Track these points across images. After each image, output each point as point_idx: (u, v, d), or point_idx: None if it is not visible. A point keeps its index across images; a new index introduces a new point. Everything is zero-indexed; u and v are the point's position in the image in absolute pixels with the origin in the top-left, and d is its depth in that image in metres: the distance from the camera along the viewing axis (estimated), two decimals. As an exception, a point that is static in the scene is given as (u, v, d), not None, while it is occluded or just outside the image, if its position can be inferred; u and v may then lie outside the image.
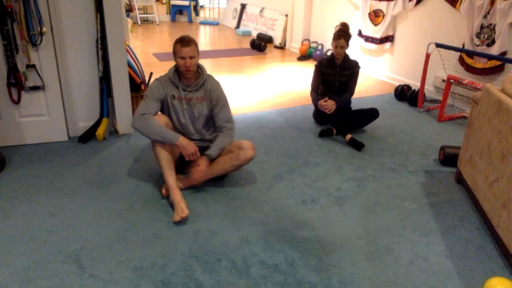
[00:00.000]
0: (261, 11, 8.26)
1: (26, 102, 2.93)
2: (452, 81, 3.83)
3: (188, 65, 2.36)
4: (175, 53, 2.39)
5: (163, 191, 2.44)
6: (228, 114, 2.54)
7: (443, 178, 2.84)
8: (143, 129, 2.34)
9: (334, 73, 3.52)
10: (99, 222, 2.19)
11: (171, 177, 2.34)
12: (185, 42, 2.35)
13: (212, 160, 2.48)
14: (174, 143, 2.33)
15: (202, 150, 2.54)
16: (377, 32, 5.30)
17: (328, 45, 6.21)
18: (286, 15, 7.25)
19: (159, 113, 2.53)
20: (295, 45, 7.04)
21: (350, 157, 3.10)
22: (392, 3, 5.01)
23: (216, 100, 2.51)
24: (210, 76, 2.56)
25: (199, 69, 2.52)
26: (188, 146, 2.34)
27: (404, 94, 4.50)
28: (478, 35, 4.01)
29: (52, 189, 2.48)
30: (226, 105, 2.54)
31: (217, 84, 2.55)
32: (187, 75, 2.41)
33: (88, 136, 3.15)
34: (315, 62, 5.62)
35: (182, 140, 2.34)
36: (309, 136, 3.45)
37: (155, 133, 2.32)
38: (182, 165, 2.59)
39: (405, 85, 4.59)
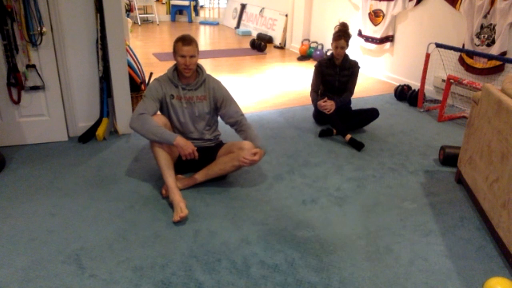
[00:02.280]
0: (261, 11, 8.26)
1: (26, 102, 2.93)
2: (452, 81, 3.83)
3: (188, 63, 2.37)
4: (175, 51, 2.40)
5: (163, 191, 2.44)
6: (238, 107, 2.60)
7: (443, 178, 2.84)
8: (140, 129, 2.34)
9: (334, 73, 3.52)
10: (99, 222, 2.19)
11: (170, 177, 2.34)
12: (186, 41, 2.37)
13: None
14: (171, 143, 2.33)
15: (201, 149, 2.54)
16: (377, 32, 5.30)
17: (328, 45, 6.21)
18: (286, 15, 7.25)
19: (158, 113, 2.53)
20: (295, 45, 7.04)
21: (350, 157, 3.10)
22: (392, 3, 5.01)
23: (222, 99, 2.55)
24: (209, 76, 2.57)
25: (198, 68, 2.53)
26: (186, 146, 2.34)
27: (404, 94, 4.50)
28: (478, 35, 4.01)
29: (52, 189, 2.48)
30: (233, 101, 2.59)
31: (218, 83, 2.58)
32: (186, 73, 2.42)
33: (88, 136, 3.15)
34: (315, 62, 5.62)
35: (179, 140, 2.34)
36: (309, 136, 3.45)
37: (152, 133, 2.32)
38: (181, 166, 2.59)
39: (405, 85, 4.59)
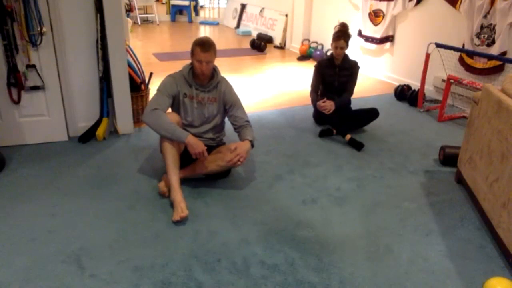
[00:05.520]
0: (261, 11, 8.25)
1: (26, 102, 2.93)
2: (452, 81, 3.83)
3: (204, 69, 2.41)
4: (193, 54, 2.42)
5: (161, 186, 2.43)
6: (244, 113, 2.62)
7: (443, 178, 2.84)
8: (153, 124, 2.36)
9: (334, 73, 3.51)
10: (99, 222, 2.19)
11: (175, 176, 2.34)
12: (205, 47, 2.38)
13: (253, 147, 2.53)
14: (183, 141, 2.34)
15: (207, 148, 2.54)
16: (377, 32, 5.30)
17: (328, 45, 6.21)
18: (286, 15, 7.25)
19: (169, 110, 2.56)
20: (295, 45, 7.04)
21: (350, 157, 3.10)
22: (392, 3, 5.01)
23: (231, 103, 2.58)
24: (223, 78, 2.60)
25: (214, 70, 2.55)
26: (196, 145, 2.36)
27: (404, 94, 4.50)
28: (478, 35, 4.01)
29: (52, 189, 2.48)
30: (241, 107, 2.62)
31: (230, 87, 2.61)
32: (202, 77, 2.47)
33: (88, 136, 3.15)
34: (315, 62, 5.62)
35: (190, 139, 2.36)
36: (309, 136, 3.45)
37: (164, 129, 2.34)
38: (185, 162, 2.58)
39: (405, 85, 4.59)
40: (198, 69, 2.42)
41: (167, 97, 2.46)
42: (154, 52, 6.43)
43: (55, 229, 2.12)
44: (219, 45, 7.33)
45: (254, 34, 8.25)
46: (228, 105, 2.59)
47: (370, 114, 3.56)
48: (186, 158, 2.57)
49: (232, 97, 2.59)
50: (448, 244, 2.15)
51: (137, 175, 2.69)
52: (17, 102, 2.89)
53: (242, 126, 2.57)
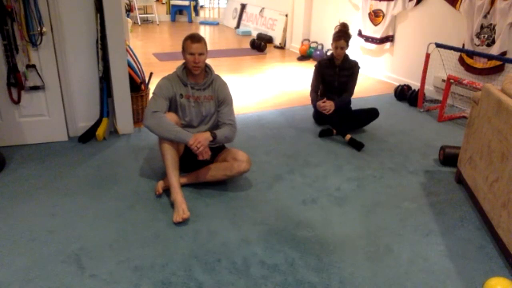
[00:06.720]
0: (261, 11, 8.25)
1: (26, 102, 2.93)
2: (452, 81, 3.83)
3: (197, 61, 2.39)
4: (184, 50, 2.42)
5: (159, 189, 2.44)
6: (232, 113, 2.57)
7: (443, 178, 2.84)
8: (155, 127, 2.34)
9: (334, 73, 3.51)
10: (99, 222, 2.19)
11: (174, 177, 2.34)
12: (195, 38, 2.39)
13: (214, 139, 2.41)
14: (187, 142, 2.33)
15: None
16: (377, 32, 5.30)
17: (328, 45, 6.21)
18: (286, 15, 7.25)
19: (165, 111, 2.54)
20: (295, 45, 7.04)
21: (350, 157, 3.10)
22: (392, 3, 5.01)
23: (222, 100, 2.56)
24: (218, 76, 2.59)
25: (207, 68, 2.54)
26: (202, 143, 2.34)
27: (404, 94, 4.50)
28: (478, 35, 4.01)
29: (52, 189, 2.48)
30: (230, 106, 2.58)
31: (224, 84, 2.59)
32: (195, 71, 2.44)
33: (88, 136, 3.15)
34: (315, 62, 5.62)
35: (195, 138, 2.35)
36: (309, 136, 3.45)
37: (168, 132, 2.33)
38: (185, 165, 2.58)
39: (405, 85, 4.59)
40: (191, 63, 2.39)
41: (164, 99, 2.44)
42: (154, 52, 6.43)
43: (55, 229, 2.12)
44: (219, 45, 7.34)
45: (254, 34, 8.25)
46: (220, 102, 2.57)
47: (370, 114, 3.56)
48: (187, 164, 2.57)
49: (223, 94, 2.55)
50: (448, 244, 2.15)
51: (137, 175, 2.69)
52: (17, 102, 2.89)
53: (224, 124, 2.51)
